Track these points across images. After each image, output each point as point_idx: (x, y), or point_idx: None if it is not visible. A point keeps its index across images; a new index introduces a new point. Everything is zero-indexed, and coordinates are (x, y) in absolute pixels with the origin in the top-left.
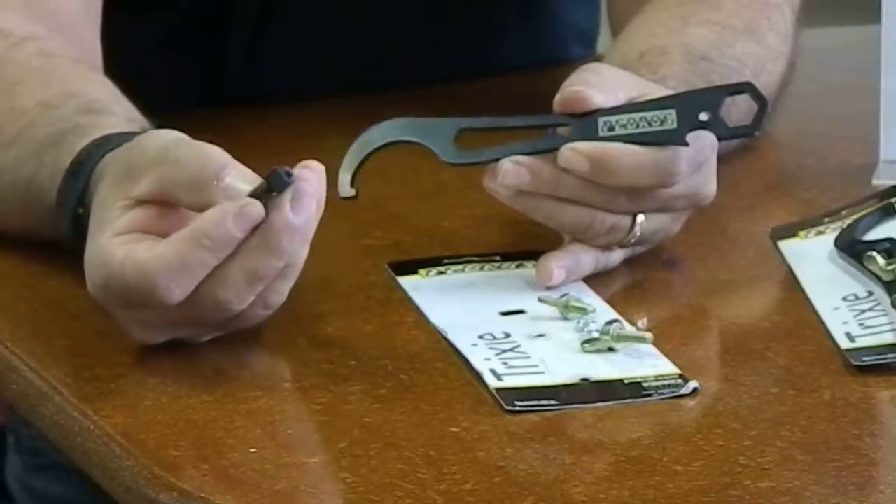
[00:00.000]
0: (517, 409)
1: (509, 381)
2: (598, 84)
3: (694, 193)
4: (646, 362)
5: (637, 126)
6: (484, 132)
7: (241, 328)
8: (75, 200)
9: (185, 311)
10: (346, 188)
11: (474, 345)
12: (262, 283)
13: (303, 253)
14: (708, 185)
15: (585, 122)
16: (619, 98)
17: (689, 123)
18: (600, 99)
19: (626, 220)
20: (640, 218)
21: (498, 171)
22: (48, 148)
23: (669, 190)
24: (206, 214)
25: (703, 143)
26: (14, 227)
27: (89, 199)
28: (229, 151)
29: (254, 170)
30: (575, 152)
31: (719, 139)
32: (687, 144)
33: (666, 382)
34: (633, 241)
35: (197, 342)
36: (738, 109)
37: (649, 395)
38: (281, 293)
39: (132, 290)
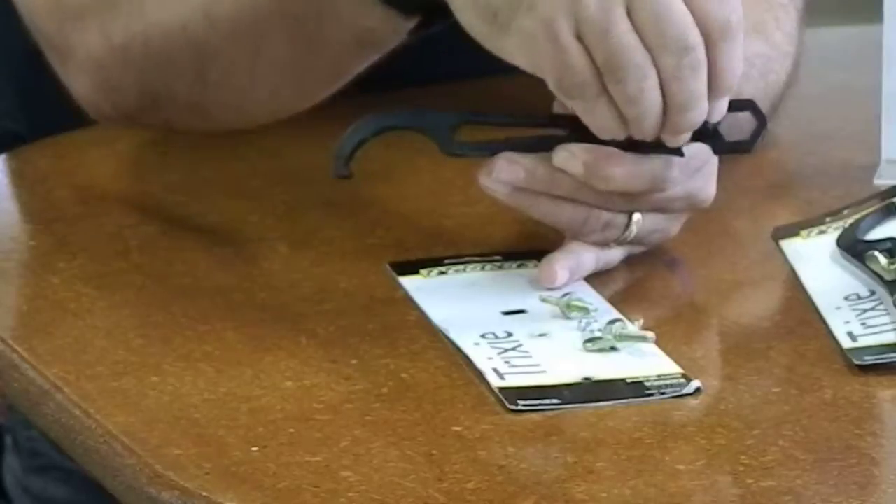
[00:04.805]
0: (520, 408)
1: (512, 381)
2: None
3: (691, 196)
4: (648, 361)
5: None
6: (484, 126)
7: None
8: None
9: None
10: (340, 168)
11: (476, 344)
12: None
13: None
14: (705, 188)
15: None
16: None
17: None
18: None
19: (622, 218)
20: (637, 216)
21: (492, 166)
22: None
23: (665, 193)
24: None
25: (699, 149)
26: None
27: None
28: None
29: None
30: (570, 154)
31: (715, 153)
32: (682, 155)
33: (668, 382)
34: (629, 238)
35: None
36: (736, 122)
37: (651, 395)
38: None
39: None
